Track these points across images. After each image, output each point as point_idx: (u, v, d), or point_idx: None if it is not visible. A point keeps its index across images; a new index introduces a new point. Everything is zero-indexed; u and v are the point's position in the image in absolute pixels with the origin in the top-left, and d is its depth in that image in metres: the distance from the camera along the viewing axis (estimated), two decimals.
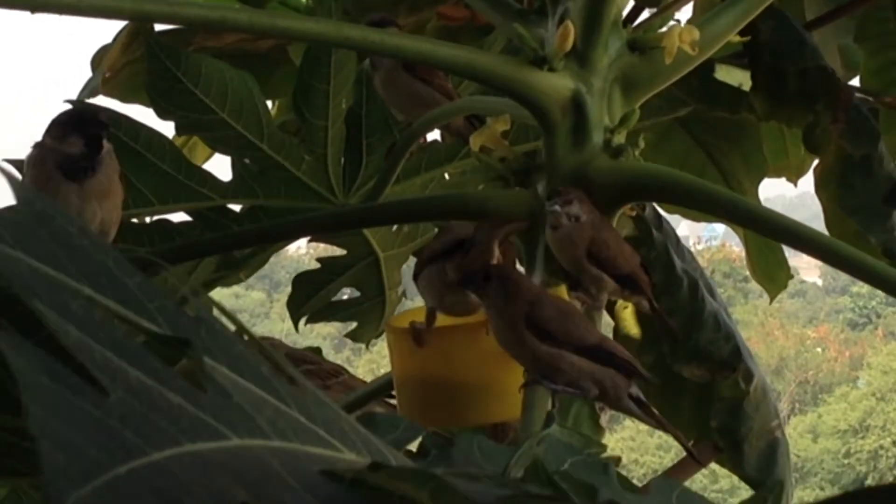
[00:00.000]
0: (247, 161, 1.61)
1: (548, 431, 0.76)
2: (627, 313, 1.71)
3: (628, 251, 1.30)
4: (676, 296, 1.64)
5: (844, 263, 1.22)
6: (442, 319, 1.30)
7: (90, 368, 0.50)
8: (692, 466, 1.83)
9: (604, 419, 1.30)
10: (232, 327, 0.63)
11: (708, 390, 1.71)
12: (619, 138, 1.31)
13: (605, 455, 0.77)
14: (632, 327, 1.71)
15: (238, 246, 1.58)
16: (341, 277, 1.77)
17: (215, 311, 0.63)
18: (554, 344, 1.14)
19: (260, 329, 20.86)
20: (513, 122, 1.46)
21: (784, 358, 22.10)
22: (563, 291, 1.26)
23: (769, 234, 1.33)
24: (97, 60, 1.81)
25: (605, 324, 1.71)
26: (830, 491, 18.99)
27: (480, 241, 1.22)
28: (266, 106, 1.58)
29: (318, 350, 1.89)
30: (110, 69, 1.75)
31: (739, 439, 1.70)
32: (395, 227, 1.76)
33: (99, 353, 0.51)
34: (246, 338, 0.65)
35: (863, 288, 21.85)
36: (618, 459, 0.90)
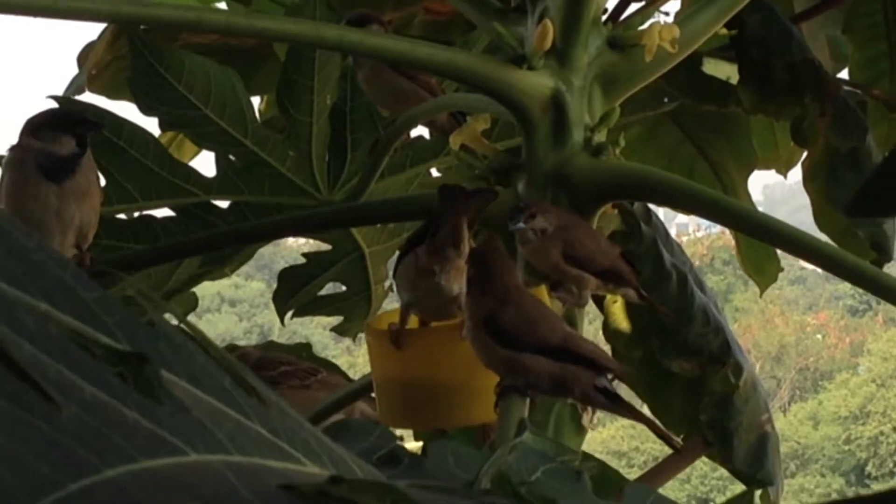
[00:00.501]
0: (231, 157, 1.61)
1: (520, 439, 0.75)
2: (617, 308, 1.71)
3: (606, 245, 1.29)
4: (665, 290, 1.64)
5: (824, 261, 1.22)
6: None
7: (42, 384, 0.49)
8: (688, 457, 1.83)
9: (586, 419, 1.29)
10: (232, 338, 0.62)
11: (698, 385, 1.70)
12: (600, 137, 1.31)
13: (578, 462, 0.76)
14: (621, 322, 1.71)
15: (220, 246, 1.58)
16: (327, 272, 1.76)
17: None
18: (513, 347, 1.13)
19: (260, 319, 20.89)
20: (497, 118, 1.46)
21: (784, 345, 22.09)
22: (542, 292, 1.26)
23: (749, 233, 1.32)
24: (83, 57, 1.81)
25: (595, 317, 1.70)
26: (831, 478, 19.01)
27: (445, 220, 1.21)
28: (250, 102, 1.58)
29: (307, 346, 1.89)
30: (96, 66, 1.75)
31: (729, 433, 1.70)
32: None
33: (53, 368, 0.51)
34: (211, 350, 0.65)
35: None
36: (595, 465, 0.89)
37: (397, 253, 1.74)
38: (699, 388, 1.70)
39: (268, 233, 1.52)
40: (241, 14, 1.44)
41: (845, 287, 24.91)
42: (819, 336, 22.55)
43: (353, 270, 1.78)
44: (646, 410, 1.78)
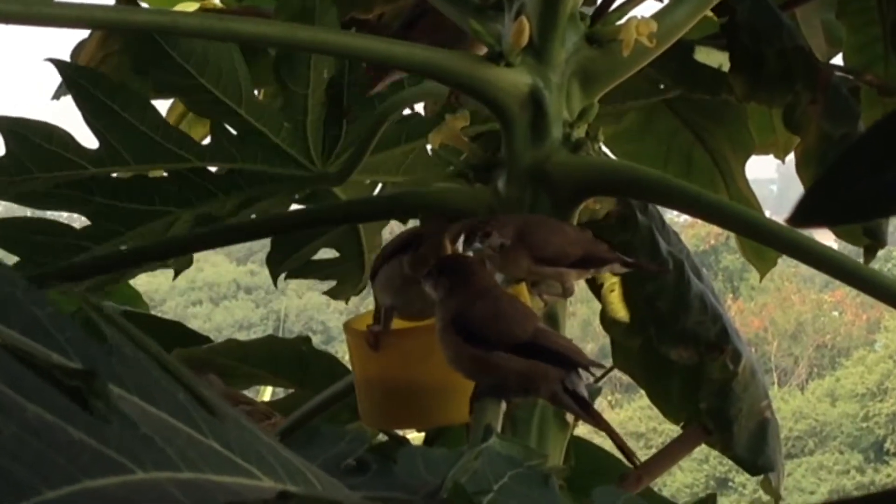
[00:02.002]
0: (226, 125, 1.61)
1: (486, 444, 0.74)
2: (614, 297, 1.70)
3: (575, 233, 1.27)
4: (662, 278, 1.63)
5: (811, 258, 1.21)
6: (400, 322, 1.29)
7: None
8: (687, 445, 1.82)
9: (570, 415, 1.29)
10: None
11: (696, 372, 1.70)
12: (579, 133, 1.30)
13: (546, 466, 0.76)
14: (619, 311, 1.70)
15: (208, 246, 1.58)
16: (320, 238, 1.77)
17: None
18: (481, 344, 1.12)
19: (276, 305, 20.91)
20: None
21: (801, 322, 22.05)
22: (522, 290, 1.25)
23: (733, 229, 1.31)
24: (76, 54, 1.81)
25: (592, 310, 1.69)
26: (850, 454, 18.98)
27: (431, 234, 1.21)
28: (247, 72, 1.58)
29: (307, 339, 1.89)
30: (89, 63, 1.75)
31: (729, 420, 1.69)
32: (375, 192, 1.78)
33: None
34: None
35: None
36: (563, 469, 0.88)
37: (394, 223, 1.75)
38: (698, 376, 1.70)
39: (246, 234, 1.52)
40: (215, 18, 1.44)
41: None
42: (836, 313, 22.51)
43: (346, 238, 1.79)
44: (645, 398, 1.77)
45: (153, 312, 2.25)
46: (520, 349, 1.11)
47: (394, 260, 1.24)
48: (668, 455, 1.84)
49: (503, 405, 1.12)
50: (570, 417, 1.28)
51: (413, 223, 1.53)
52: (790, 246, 1.25)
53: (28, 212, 1.87)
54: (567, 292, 1.27)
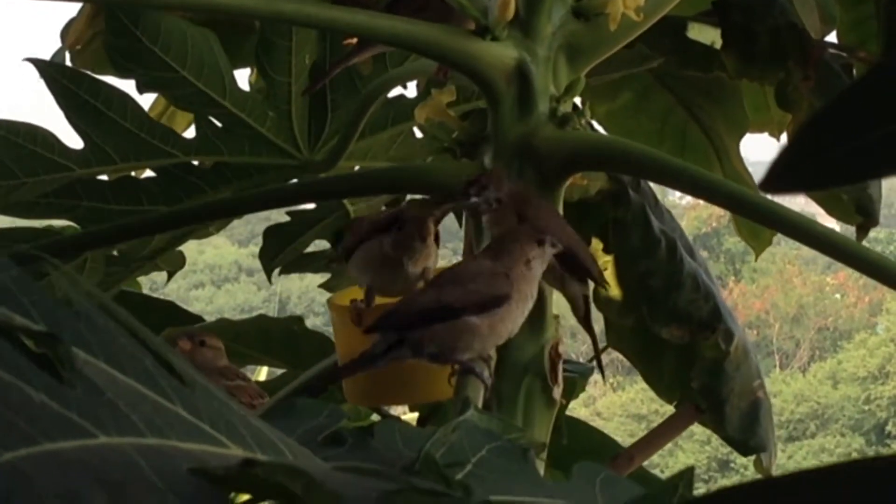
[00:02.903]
0: (211, 118, 1.60)
1: (464, 417, 0.74)
2: (607, 275, 1.70)
3: (567, 225, 1.27)
4: (655, 257, 1.63)
5: (803, 235, 1.21)
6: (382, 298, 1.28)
7: None
8: (680, 425, 1.82)
9: (556, 392, 1.28)
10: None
11: (689, 351, 1.69)
12: (566, 107, 1.29)
13: (525, 440, 0.75)
14: (612, 289, 1.70)
15: (204, 219, 1.57)
16: (312, 230, 1.76)
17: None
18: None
19: (278, 288, 20.86)
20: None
21: (803, 305, 22.05)
22: None
23: (724, 205, 1.30)
24: (65, 33, 1.80)
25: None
26: (851, 437, 19.00)
27: (413, 217, 1.21)
28: (228, 63, 1.58)
29: (299, 319, 1.88)
30: (77, 42, 1.74)
31: (721, 400, 1.69)
32: None
33: None
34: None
35: (881, 233, 21.78)
36: (542, 444, 0.88)
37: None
38: (691, 355, 1.69)
39: (235, 209, 1.51)
40: None
41: None
42: (838, 296, 22.51)
43: (338, 228, 1.78)
44: (639, 378, 1.77)
45: (156, 295, 2.25)
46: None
47: (373, 240, 1.24)
48: (661, 434, 1.83)
49: (487, 380, 1.12)
50: (557, 395, 1.27)
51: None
52: (782, 223, 1.25)
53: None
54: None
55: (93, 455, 0.51)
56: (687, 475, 0.67)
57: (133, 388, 0.57)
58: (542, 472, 1.20)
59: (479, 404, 1.04)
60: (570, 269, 1.26)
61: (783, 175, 0.44)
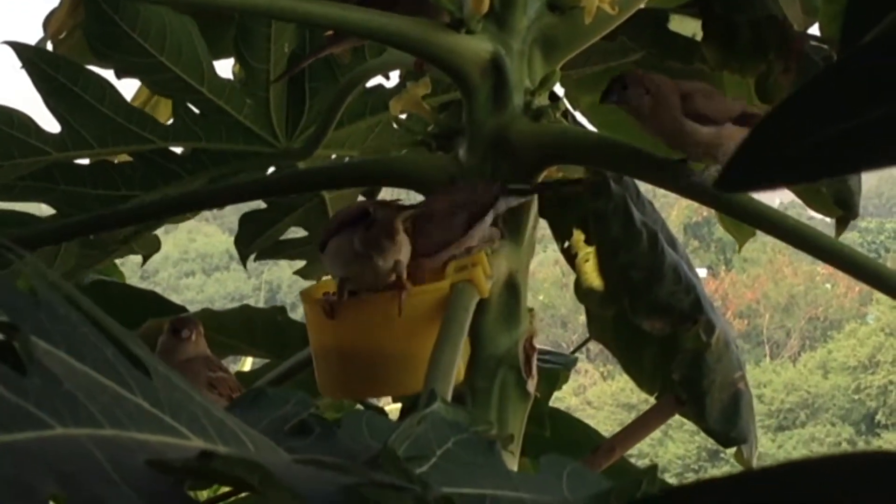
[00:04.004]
0: (189, 104, 1.60)
1: (430, 409, 0.73)
2: (589, 266, 1.69)
3: (730, 100, 1.29)
4: (636, 249, 1.62)
5: (774, 229, 1.21)
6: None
7: None
8: (660, 416, 1.82)
9: (531, 385, 1.28)
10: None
11: (671, 343, 1.69)
12: (540, 100, 1.29)
13: (492, 432, 0.75)
14: (593, 280, 1.69)
15: (179, 210, 1.57)
16: (288, 217, 1.76)
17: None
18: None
19: (268, 276, 20.88)
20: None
21: (794, 295, 22.10)
22: (482, 259, 1.25)
23: (699, 200, 1.30)
24: (47, 22, 1.79)
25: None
26: (841, 427, 19.05)
27: (383, 216, 1.21)
28: (206, 50, 1.58)
29: (282, 309, 1.88)
30: (58, 31, 1.74)
31: (702, 392, 1.69)
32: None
33: None
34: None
35: (871, 223, 21.83)
36: (508, 438, 0.88)
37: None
38: (673, 347, 1.69)
39: (230, 196, 1.51)
40: None
41: (854, 236, 24.87)
42: (828, 286, 22.55)
43: (314, 215, 1.78)
44: (620, 369, 1.76)
45: (146, 284, 2.25)
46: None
47: (343, 233, 1.24)
48: (642, 426, 1.83)
49: (457, 372, 1.12)
50: (531, 388, 1.28)
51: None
52: (761, 219, 1.25)
53: None
54: (722, 157, 1.25)
55: (48, 446, 0.50)
56: (651, 472, 0.68)
57: (93, 379, 0.57)
58: (515, 464, 1.20)
59: (448, 397, 1.04)
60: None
61: (736, 173, 0.43)
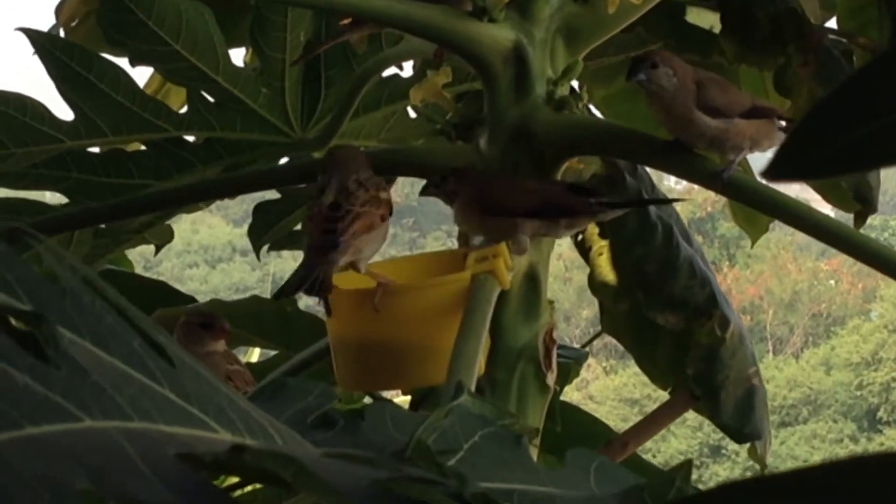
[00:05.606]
0: (203, 93, 1.59)
1: (457, 402, 0.72)
2: (603, 260, 1.69)
3: (741, 92, 1.28)
4: (651, 242, 1.62)
5: (801, 223, 1.20)
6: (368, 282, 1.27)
7: None
8: (674, 411, 1.81)
9: (550, 378, 1.27)
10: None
11: (684, 338, 1.68)
12: (562, 90, 1.28)
13: (519, 426, 0.73)
14: (607, 274, 1.68)
15: (183, 202, 1.56)
16: (301, 208, 1.75)
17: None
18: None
19: (272, 268, 20.87)
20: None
21: (797, 291, 22.08)
22: (504, 250, 1.23)
23: (716, 190, 1.29)
24: (59, 10, 1.78)
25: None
26: (843, 423, 19.04)
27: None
28: (222, 38, 1.56)
29: (292, 301, 1.87)
30: (71, 19, 1.73)
31: (716, 387, 1.68)
32: None
33: None
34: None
35: (875, 220, 21.82)
36: (535, 430, 0.87)
37: None
38: (686, 341, 1.68)
39: (244, 185, 1.50)
40: None
41: None
42: (832, 282, 22.54)
43: None
44: (632, 362, 1.76)
45: (150, 274, 2.24)
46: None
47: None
48: (655, 421, 1.82)
49: (479, 365, 1.11)
50: (550, 381, 1.27)
51: None
52: (779, 209, 1.24)
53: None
54: (729, 150, 1.25)
55: (78, 439, 0.49)
56: (686, 468, 0.66)
57: (120, 370, 0.56)
58: (535, 458, 1.19)
59: (472, 389, 1.03)
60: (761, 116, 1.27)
61: (786, 164, 0.43)
